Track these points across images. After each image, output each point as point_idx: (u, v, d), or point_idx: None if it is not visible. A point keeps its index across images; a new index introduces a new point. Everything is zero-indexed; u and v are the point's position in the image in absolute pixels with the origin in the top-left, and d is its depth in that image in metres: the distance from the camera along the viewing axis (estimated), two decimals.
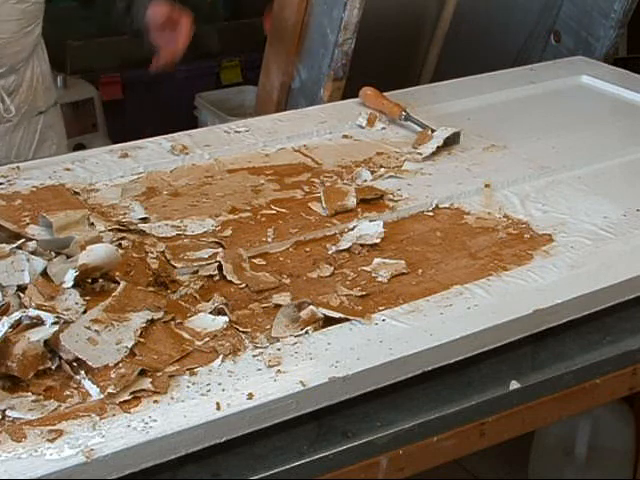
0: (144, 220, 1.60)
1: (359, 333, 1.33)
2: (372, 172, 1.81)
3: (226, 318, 1.34)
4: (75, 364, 1.23)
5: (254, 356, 1.28)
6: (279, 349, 1.29)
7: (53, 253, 1.41)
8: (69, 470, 1.09)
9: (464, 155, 1.91)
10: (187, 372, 1.24)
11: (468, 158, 1.90)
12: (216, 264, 1.47)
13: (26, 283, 1.34)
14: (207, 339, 1.30)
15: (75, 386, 1.21)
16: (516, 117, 2.12)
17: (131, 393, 1.19)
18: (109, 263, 1.38)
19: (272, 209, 1.67)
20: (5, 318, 1.25)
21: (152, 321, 1.31)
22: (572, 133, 2.03)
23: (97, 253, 1.37)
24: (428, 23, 2.82)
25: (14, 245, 1.41)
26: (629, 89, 2.25)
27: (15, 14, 2.08)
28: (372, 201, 1.70)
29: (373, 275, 1.48)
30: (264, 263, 1.51)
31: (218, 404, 1.19)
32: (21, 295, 1.32)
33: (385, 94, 2.11)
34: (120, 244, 1.50)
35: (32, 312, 1.27)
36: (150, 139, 1.90)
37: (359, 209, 1.67)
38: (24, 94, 2.20)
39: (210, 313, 1.36)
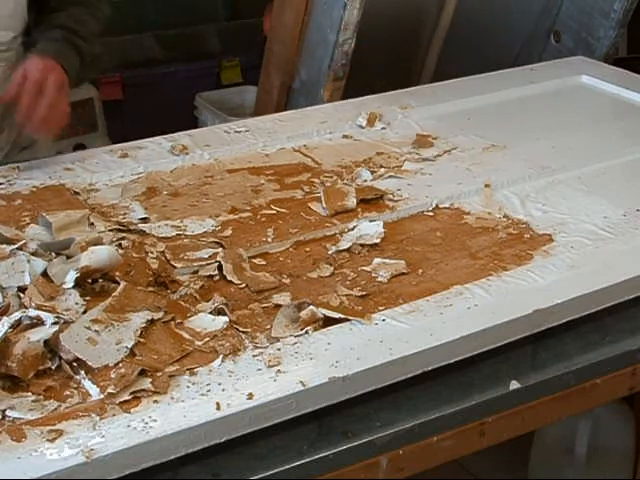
0: (144, 220, 1.60)
1: (359, 333, 1.33)
2: (372, 172, 1.81)
3: (226, 318, 1.34)
4: (75, 364, 1.23)
5: (254, 356, 1.28)
6: (279, 349, 1.29)
7: (53, 254, 1.41)
8: (69, 470, 1.09)
9: (464, 155, 1.91)
10: (187, 372, 1.24)
11: (468, 158, 1.90)
12: (216, 264, 1.47)
13: (26, 284, 1.34)
14: (207, 339, 1.30)
15: (75, 386, 1.21)
16: (516, 117, 2.12)
17: (131, 393, 1.19)
18: (110, 265, 1.38)
19: (272, 209, 1.67)
20: (5, 318, 1.25)
21: (152, 321, 1.31)
22: (572, 133, 2.03)
23: (99, 255, 1.37)
24: (428, 23, 2.82)
25: (15, 246, 1.41)
26: (629, 89, 2.25)
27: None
28: (372, 201, 1.70)
29: (373, 275, 1.48)
30: (264, 263, 1.51)
31: (218, 404, 1.19)
32: (21, 295, 1.32)
33: (385, 94, 2.11)
34: (120, 244, 1.50)
35: (32, 312, 1.27)
36: (150, 139, 1.90)
37: (359, 209, 1.67)
38: (6, 133, 2.00)
39: (210, 313, 1.36)
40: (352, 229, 1.60)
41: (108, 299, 1.32)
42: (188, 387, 1.22)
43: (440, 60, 2.84)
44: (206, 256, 1.50)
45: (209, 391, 1.21)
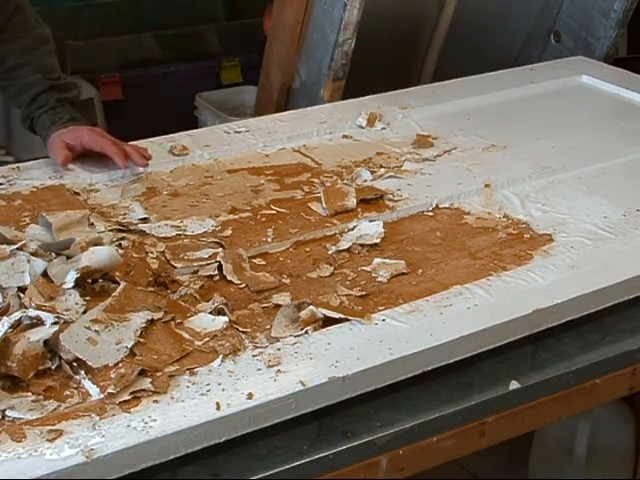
0: (144, 220, 1.60)
1: (359, 333, 1.33)
2: (372, 172, 1.81)
3: (226, 318, 1.34)
4: (75, 364, 1.23)
5: (254, 356, 1.28)
6: (279, 349, 1.29)
7: (53, 254, 1.41)
8: (69, 470, 1.09)
9: (464, 155, 1.91)
10: (187, 372, 1.24)
11: (468, 158, 1.90)
12: (216, 264, 1.47)
13: (26, 284, 1.34)
14: (207, 339, 1.30)
15: (75, 386, 1.21)
16: (516, 117, 2.12)
17: (131, 393, 1.19)
18: (110, 265, 1.38)
19: (272, 209, 1.67)
20: (5, 318, 1.25)
21: (152, 321, 1.31)
22: (572, 133, 2.03)
23: (100, 256, 1.37)
24: (428, 23, 2.82)
25: (15, 246, 1.41)
26: (629, 89, 2.25)
27: None
28: (372, 201, 1.70)
29: (373, 275, 1.48)
30: (264, 263, 1.51)
31: (218, 404, 1.19)
32: (21, 295, 1.32)
33: (385, 94, 2.11)
34: (120, 244, 1.50)
35: (32, 312, 1.27)
36: (150, 139, 1.90)
37: (359, 209, 1.67)
38: None
39: (210, 313, 1.36)
40: (352, 229, 1.60)
41: (108, 299, 1.32)
42: (188, 387, 1.22)
43: (440, 60, 2.85)
44: (206, 256, 1.50)
45: (209, 391, 1.21)
